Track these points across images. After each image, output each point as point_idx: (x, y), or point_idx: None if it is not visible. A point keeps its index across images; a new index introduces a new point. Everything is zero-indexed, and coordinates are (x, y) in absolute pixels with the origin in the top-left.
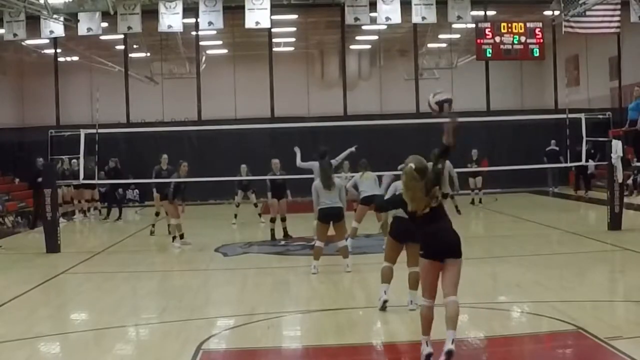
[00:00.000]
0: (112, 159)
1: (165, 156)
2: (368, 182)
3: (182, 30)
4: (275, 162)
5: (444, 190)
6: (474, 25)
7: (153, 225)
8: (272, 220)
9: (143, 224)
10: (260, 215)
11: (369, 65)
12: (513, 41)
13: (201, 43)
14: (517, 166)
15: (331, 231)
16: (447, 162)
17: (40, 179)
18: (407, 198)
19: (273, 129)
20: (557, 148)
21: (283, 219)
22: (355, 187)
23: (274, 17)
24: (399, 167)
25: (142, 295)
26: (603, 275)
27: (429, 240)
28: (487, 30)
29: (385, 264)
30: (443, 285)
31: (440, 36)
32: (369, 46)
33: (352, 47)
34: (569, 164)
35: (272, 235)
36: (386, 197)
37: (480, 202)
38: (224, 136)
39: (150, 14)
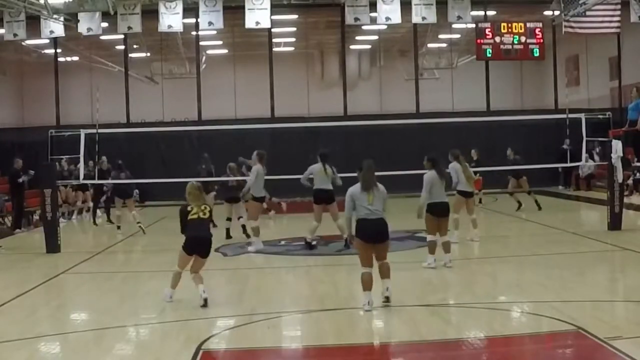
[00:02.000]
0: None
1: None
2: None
3: (182, 30)
4: (232, 165)
5: (468, 189)
6: (474, 25)
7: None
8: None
9: (143, 223)
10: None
11: (369, 65)
12: (513, 41)
13: (201, 43)
14: (515, 166)
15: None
16: (466, 166)
17: (21, 180)
18: (195, 201)
19: (273, 129)
20: (565, 147)
21: (229, 219)
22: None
23: (274, 17)
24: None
25: (142, 295)
26: (603, 275)
27: (195, 243)
28: (487, 30)
29: (364, 270)
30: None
31: (440, 36)
32: (369, 46)
33: (352, 47)
34: (568, 164)
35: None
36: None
37: (480, 202)
38: (224, 136)
39: (150, 14)
